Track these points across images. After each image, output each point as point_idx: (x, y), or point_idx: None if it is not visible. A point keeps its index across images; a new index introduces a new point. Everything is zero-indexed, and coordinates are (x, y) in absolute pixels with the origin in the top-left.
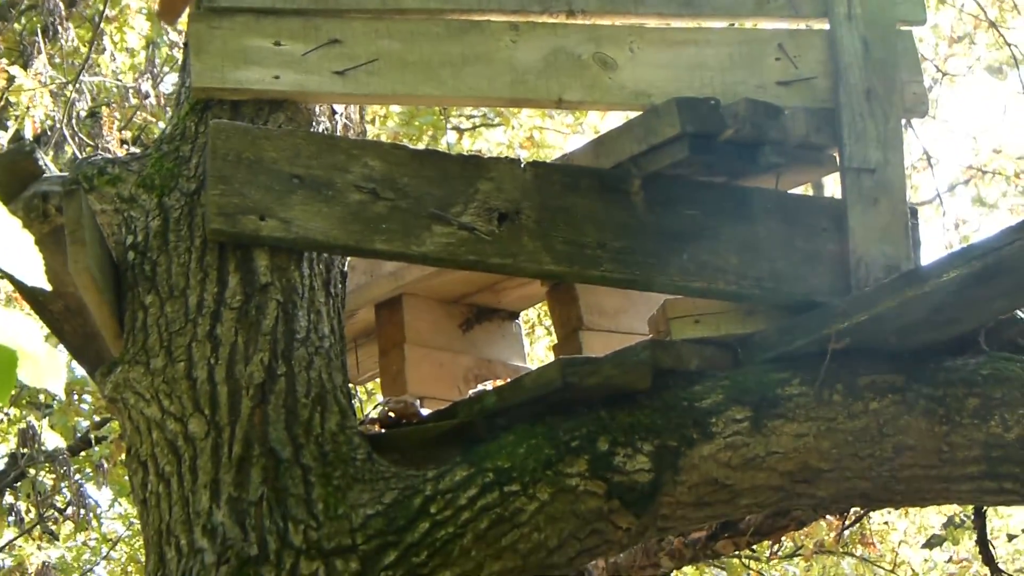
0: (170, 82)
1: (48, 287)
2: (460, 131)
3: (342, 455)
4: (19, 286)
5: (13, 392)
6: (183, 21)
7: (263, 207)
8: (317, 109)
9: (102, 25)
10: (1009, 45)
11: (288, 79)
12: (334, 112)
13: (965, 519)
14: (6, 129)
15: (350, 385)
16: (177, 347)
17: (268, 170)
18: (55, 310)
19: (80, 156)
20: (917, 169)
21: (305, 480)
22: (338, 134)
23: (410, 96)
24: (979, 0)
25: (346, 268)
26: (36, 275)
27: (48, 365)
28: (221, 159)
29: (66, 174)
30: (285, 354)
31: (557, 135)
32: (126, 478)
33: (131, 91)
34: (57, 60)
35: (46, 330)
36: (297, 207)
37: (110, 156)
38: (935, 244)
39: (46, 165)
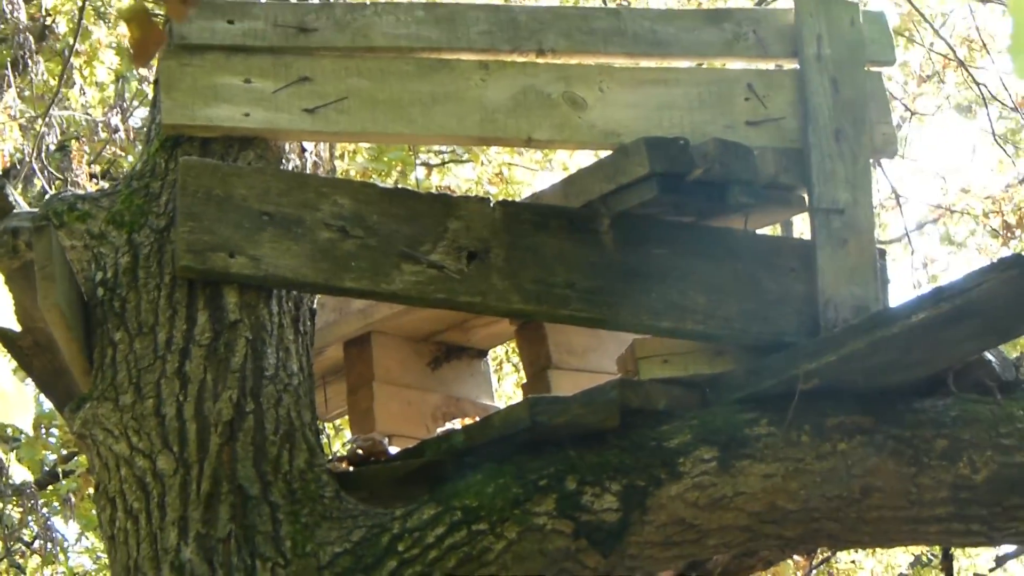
0: (139, 116)
1: (17, 327)
2: (429, 167)
3: (310, 493)
4: None
5: None
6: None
7: (233, 244)
8: (287, 147)
9: (72, 59)
10: (978, 84)
11: (258, 116)
12: (304, 150)
13: (932, 558)
14: None
15: (318, 422)
16: (146, 384)
17: (238, 207)
18: (24, 345)
19: (49, 190)
20: (885, 208)
21: (273, 517)
22: (308, 172)
23: (380, 134)
24: (948, 40)
25: (315, 305)
26: (5, 315)
27: (17, 401)
28: (191, 196)
29: (36, 210)
30: (254, 391)
31: (526, 171)
32: (94, 512)
33: (101, 125)
34: (27, 94)
35: (13, 363)
36: (267, 244)
37: (80, 192)
38: (903, 283)
39: (16, 200)
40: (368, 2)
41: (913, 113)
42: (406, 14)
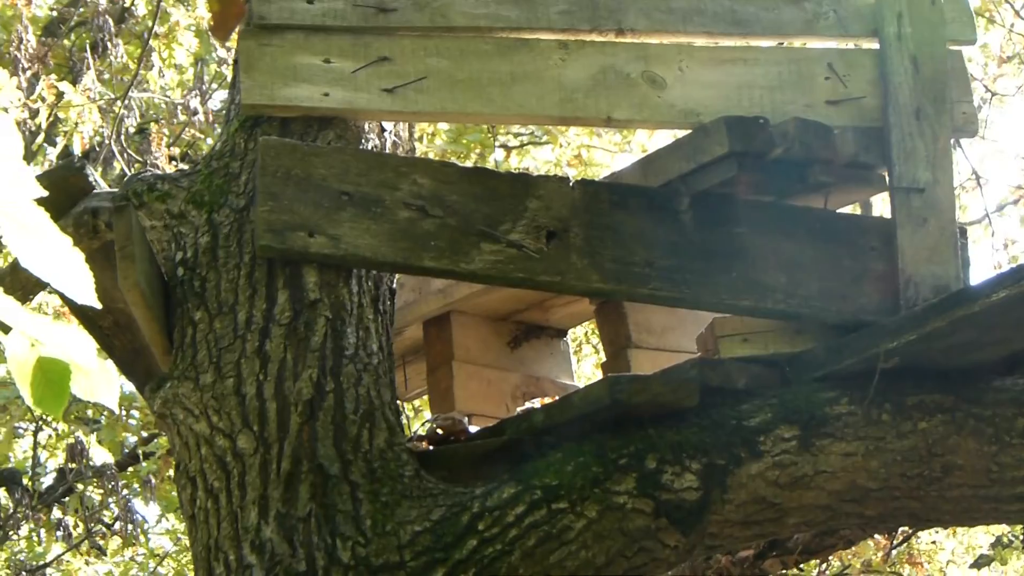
0: (219, 99)
1: (98, 306)
2: (508, 149)
3: (390, 472)
4: (69, 302)
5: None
6: (233, 39)
7: (312, 224)
8: (366, 126)
9: (151, 42)
10: None
11: (337, 96)
12: (383, 130)
13: (1013, 539)
14: (55, 145)
15: (398, 402)
16: (226, 363)
17: (317, 187)
18: (104, 325)
19: (129, 172)
20: (966, 189)
21: (353, 497)
22: (387, 151)
23: (459, 114)
24: None
25: (395, 285)
26: (87, 294)
27: (101, 380)
28: (270, 176)
29: (116, 190)
30: (334, 371)
31: (605, 153)
32: (173, 494)
33: (179, 107)
34: (106, 76)
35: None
36: (346, 224)
37: (160, 172)
38: (984, 264)
39: (96, 181)
40: None
41: (994, 94)
42: None
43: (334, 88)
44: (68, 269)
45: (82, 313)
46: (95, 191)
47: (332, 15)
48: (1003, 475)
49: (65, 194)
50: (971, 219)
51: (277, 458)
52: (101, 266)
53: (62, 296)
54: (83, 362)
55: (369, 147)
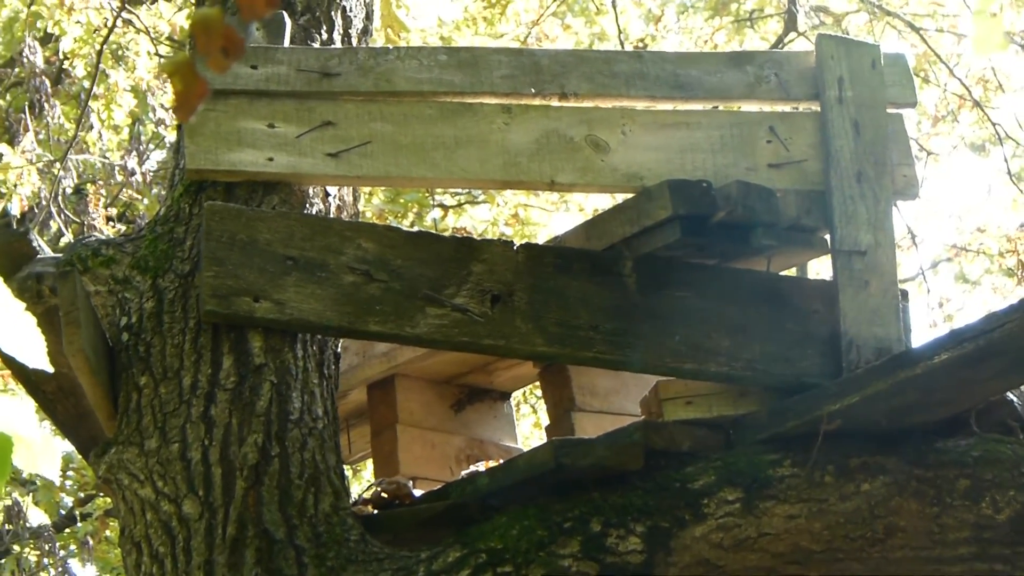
0: (156, 159)
1: (50, 369)
2: (445, 208)
3: (336, 536)
4: (11, 366)
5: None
6: (172, 100)
7: (257, 289)
8: (311, 191)
9: (88, 102)
10: (993, 124)
11: (282, 161)
12: (327, 194)
13: None
14: None
15: (343, 465)
16: (171, 428)
17: (262, 252)
18: (48, 390)
19: (66, 233)
20: (901, 247)
21: (299, 561)
22: (332, 216)
23: (403, 178)
24: (963, 79)
25: (339, 349)
26: (38, 357)
27: (43, 450)
28: (215, 241)
29: (60, 255)
30: (279, 435)
31: (542, 212)
32: (111, 555)
33: (117, 168)
34: (43, 137)
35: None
36: (291, 289)
37: (104, 237)
38: (919, 322)
39: (40, 246)
40: (390, 47)
41: (928, 153)
42: (429, 58)
43: (278, 153)
44: (20, 333)
45: (25, 377)
46: (38, 256)
47: (276, 80)
48: (945, 537)
49: (9, 259)
50: (906, 277)
51: (223, 523)
52: (45, 331)
53: (6, 360)
54: (25, 433)
55: (314, 211)
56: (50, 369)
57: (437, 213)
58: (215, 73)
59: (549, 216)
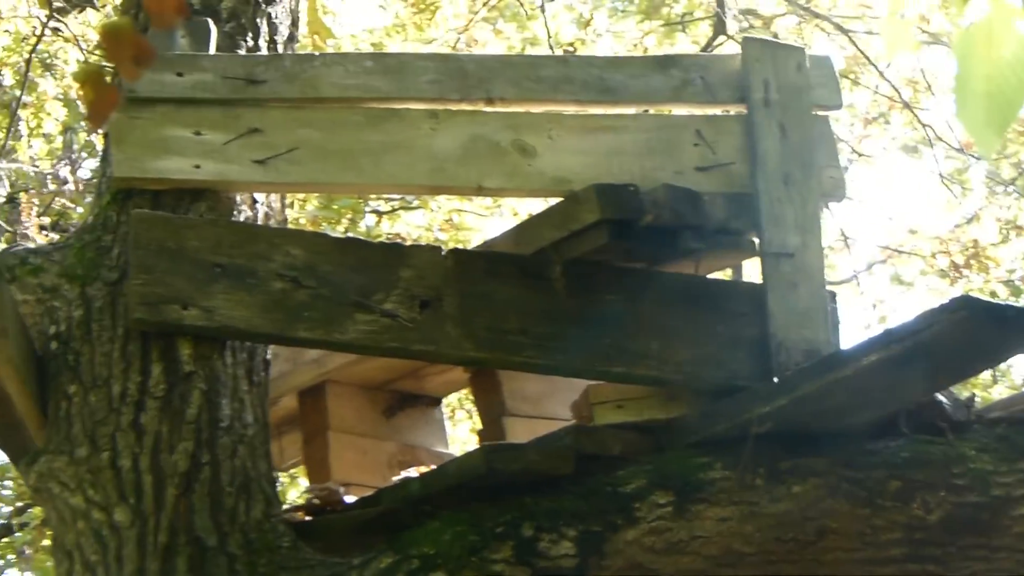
0: (88, 167)
1: None
2: (379, 214)
3: (267, 543)
4: None
5: None
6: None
7: (185, 296)
8: (238, 198)
9: (19, 111)
10: (924, 125)
11: (209, 168)
12: (255, 201)
13: None
14: None
15: (274, 472)
16: (101, 436)
17: (190, 259)
18: None
19: None
20: (834, 249)
21: (231, 568)
22: (259, 223)
23: (331, 184)
24: (893, 82)
25: (269, 356)
26: None
27: None
28: (143, 249)
29: None
30: (209, 443)
31: (476, 217)
32: (48, 564)
33: (49, 177)
34: None
35: None
36: (219, 296)
37: (32, 246)
38: (853, 323)
39: None
40: (316, 53)
41: (860, 155)
42: (354, 65)
43: (205, 160)
44: None
45: None
46: None
47: (202, 87)
48: (877, 538)
49: None
50: (840, 279)
51: (154, 531)
52: None
53: None
54: None
55: (241, 219)
56: None
57: (371, 219)
58: (128, 81)
59: (483, 221)
